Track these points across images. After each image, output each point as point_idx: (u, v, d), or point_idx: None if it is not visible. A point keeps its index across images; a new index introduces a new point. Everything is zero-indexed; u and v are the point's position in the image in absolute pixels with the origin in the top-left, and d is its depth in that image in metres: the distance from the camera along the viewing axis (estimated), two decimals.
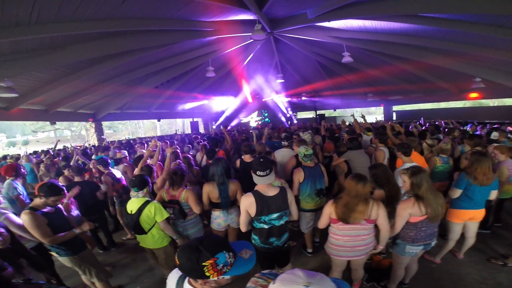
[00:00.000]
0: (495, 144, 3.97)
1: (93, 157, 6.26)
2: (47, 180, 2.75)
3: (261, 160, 2.13)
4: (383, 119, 16.56)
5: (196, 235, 2.98)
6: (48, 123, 12.52)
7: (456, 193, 2.78)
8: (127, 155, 5.50)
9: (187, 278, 1.10)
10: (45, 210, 2.38)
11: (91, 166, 4.86)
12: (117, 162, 4.92)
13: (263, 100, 17.90)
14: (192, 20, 6.63)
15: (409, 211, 2.19)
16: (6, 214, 2.52)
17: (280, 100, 17.95)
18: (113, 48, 6.71)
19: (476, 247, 3.10)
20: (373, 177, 2.58)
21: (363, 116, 6.85)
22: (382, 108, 17.57)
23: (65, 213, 2.65)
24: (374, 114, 27.92)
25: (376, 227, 2.29)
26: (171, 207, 2.78)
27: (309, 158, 3.12)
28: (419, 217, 2.20)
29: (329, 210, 2.26)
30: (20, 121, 23.82)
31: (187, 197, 2.83)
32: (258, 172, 2.10)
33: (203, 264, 0.95)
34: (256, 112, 19.37)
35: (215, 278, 0.99)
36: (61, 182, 3.37)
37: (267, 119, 19.40)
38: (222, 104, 17.49)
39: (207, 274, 0.96)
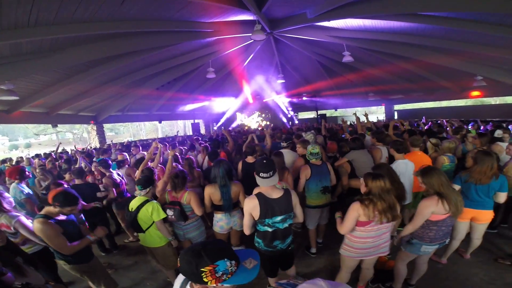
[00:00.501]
0: (499, 143, 3.93)
1: (94, 159, 6.25)
2: (62, 188, 2.56)
3: (264, 161, 2.08)
4: (384, 119, 16.51)
5: (198, 238, 2.97)
6: (50, 125, 12.53)
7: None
8: (128, 157, 5.49)
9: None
10: (58, 218, 2.30)
11: (93, 169, 4.85)
12: (120, 165, 4.88)
13: (264, 100, 17.88)
14: (192, 21, 6.62)
15: (433, 209, 2.16)
16: (18, 217, 2.51)
17: (281, 101, 17.93)
18: (113, 50, 6.70)
19: (483, 247, 3.06)
20: None
21: (366, 115, 6.80)
22: (383, 107, 17.50)
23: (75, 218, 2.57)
24: (376, 114, 27.84)
25: None
26: (172, 208, 2.77)
27: (315, 157, 3.17)
28: (443, 215, 2.17)
29: (356, 214, 2.10)
30: (22, 124, 23.91)
31: (189, 199, 2.81)
32: (262, 174, 2.06)
33: (202, 269, 0.94)
34: (257, 112, 19.32)
35: (214, 285, 0.97)
36: None
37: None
38: (223, 105, 17.48)
39: (205, 280, 0.94)
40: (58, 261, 2.45)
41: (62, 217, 2.33)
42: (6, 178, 4.10)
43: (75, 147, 11.46)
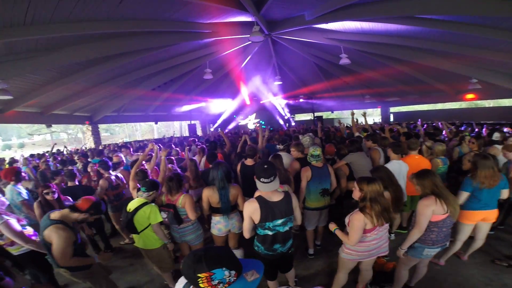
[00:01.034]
0: (496, 146, 3.97)
1: (89, 159, 6.16)
2: (94, 198, 2.47)
3: (265, 166, 2.04)
4: (380, 121, 16.63)
5: (194, 241, 2.96)
6: (44, 125, 12.35)
7: (463, 196, 2.76)
8: (123, 159, 5.41)
9: None
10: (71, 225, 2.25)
11: (89, 170, 4.77)
12: (115, 166, 4.78)
13: (261, 102, 17.88)
14: (190, 21, 6.58)
15: (433, 208, 2.16)
16: (6, 220, 2.44)
17: (278, 102, 17.95)
18: (110, 50, 6.63)
19: (480, 248, 3.07)
20: None
21: (364, 114, 6.81)
22: (379, 109, 17.63)
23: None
24: (372, 116, 28.06)
25: None
26: (166, 211, 2.74)
27: (316, 159, 3.16)
28: (442, 215, 2.18)
29: (362, 224, 2.08)
30: (16, 124, 23.56)
31: (184, 203, 2.78)
32: (262, 179, 2.03)
33: (198, 275, 0.93)
34: (254, 114, 19.30)
35: None
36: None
37: (263, 126, 19.26)
38: (220, 106, 17.42)
39: (201, 286, 0.94)
40: (57, 269, 2.36)
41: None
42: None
43: (66, 147, 11.31)
